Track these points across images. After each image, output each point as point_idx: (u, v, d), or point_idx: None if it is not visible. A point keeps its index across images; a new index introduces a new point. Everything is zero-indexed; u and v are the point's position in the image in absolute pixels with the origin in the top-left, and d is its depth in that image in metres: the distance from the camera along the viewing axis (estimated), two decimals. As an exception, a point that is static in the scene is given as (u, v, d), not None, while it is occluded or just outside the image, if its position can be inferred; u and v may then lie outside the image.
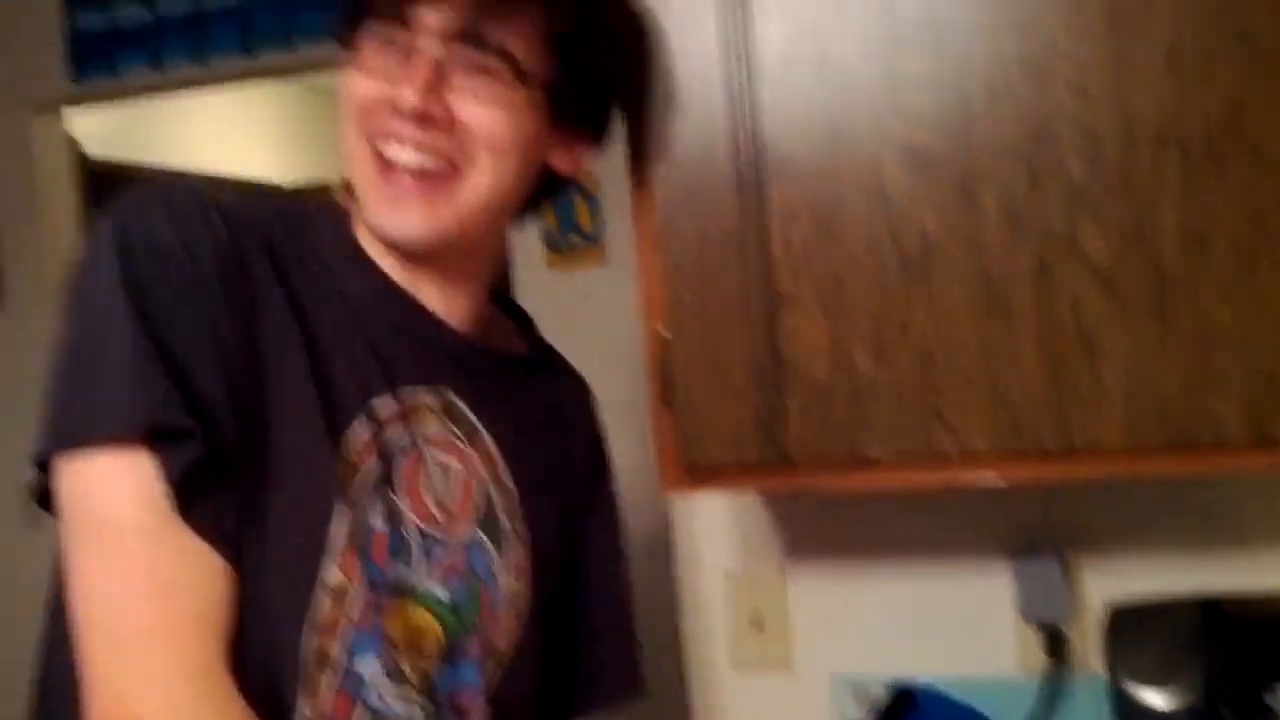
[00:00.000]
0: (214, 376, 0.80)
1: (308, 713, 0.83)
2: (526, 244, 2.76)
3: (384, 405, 0.89)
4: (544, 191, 0.98)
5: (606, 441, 1.12)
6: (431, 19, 0.86)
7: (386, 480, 0.88)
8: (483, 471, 0.95)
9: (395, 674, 0.87)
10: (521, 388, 1.03)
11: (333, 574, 0.84)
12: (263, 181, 4.59)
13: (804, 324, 1.01)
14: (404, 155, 0.86)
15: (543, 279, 2.78)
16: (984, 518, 1.34)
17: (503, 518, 0.96)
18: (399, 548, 0.88)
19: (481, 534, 0.94)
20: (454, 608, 0.91)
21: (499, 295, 1.08)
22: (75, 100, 3.06)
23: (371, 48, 0.88)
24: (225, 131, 4.38)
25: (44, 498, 0.81)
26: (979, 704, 1.33)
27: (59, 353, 0.82)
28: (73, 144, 3.23)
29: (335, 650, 0.85)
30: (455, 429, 0.94)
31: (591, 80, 0.93)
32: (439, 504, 0.91)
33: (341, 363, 0.88)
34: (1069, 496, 1.30)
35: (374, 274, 0.92)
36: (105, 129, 3.63)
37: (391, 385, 0.90)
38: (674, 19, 1.03)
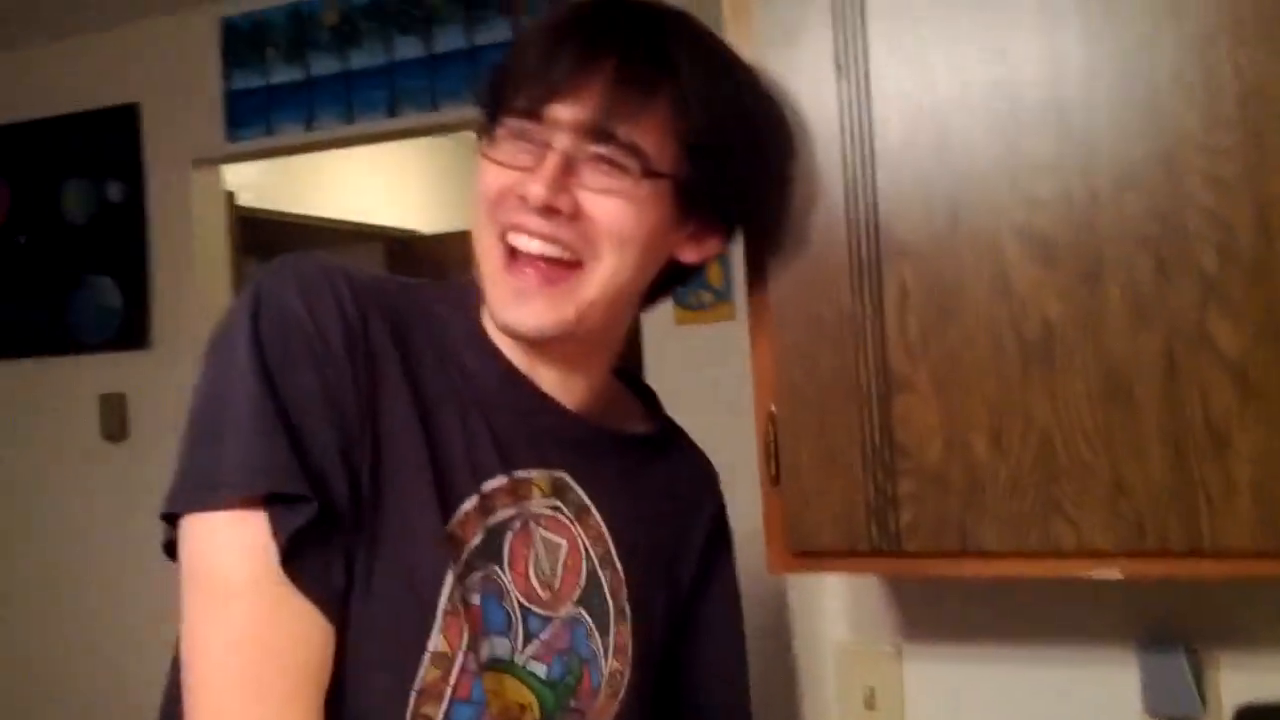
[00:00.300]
0: (331, 445, 0.84)
1: None
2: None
3: (496, 484, 0.91)
4: (672, 280, 1.00)
5: (728, 522, 1.12)
6: (563, 114, 0.88)
7: (494, 555, 0.90)
8: (591, 550, 0.96)
9: None
10: (641, 467, 1.04)
11: (438, 642, 0.86)
12: (408, 230, 4.74)
13: (918, 407, 1.00)
14: (530, 245, 0.89)
15: (672, 335, 2.79)
16: (1111, 606, 1.30)
17: (608, 597, 0.97)
18: (502, 622, 0.90)
19: (584, 612, 0.95)
20: (552, 684, 0.92)
21: (626, 373, 1.09)
22: (232, 158, 3.21)
23: (506, 140, 0.91)
24: (372, 182, 4.54)
25: (172, 548, 0.85)
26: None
27: (192, 411, 0.86)
28: (227, 195, 3.40)
29: (435, 716, 0.86)
30: (565, 508, 0.95)
31: (722, 177, 0.93)
32: (543, 581, 0.93)
33: (458, 443, 0.91)
34: (1202, 588, 1.25)
35: (495, 358, 0.95)
36: (257, 179, 3.80)
37: (506, 468, 0.92)
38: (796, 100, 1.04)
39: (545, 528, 0.94)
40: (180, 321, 3.16)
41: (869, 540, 1.01)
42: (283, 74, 3.08)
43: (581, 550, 0.96)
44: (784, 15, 1.04)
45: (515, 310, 0.90)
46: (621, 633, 0.97)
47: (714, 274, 2.80)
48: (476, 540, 0.90)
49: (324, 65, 3.04)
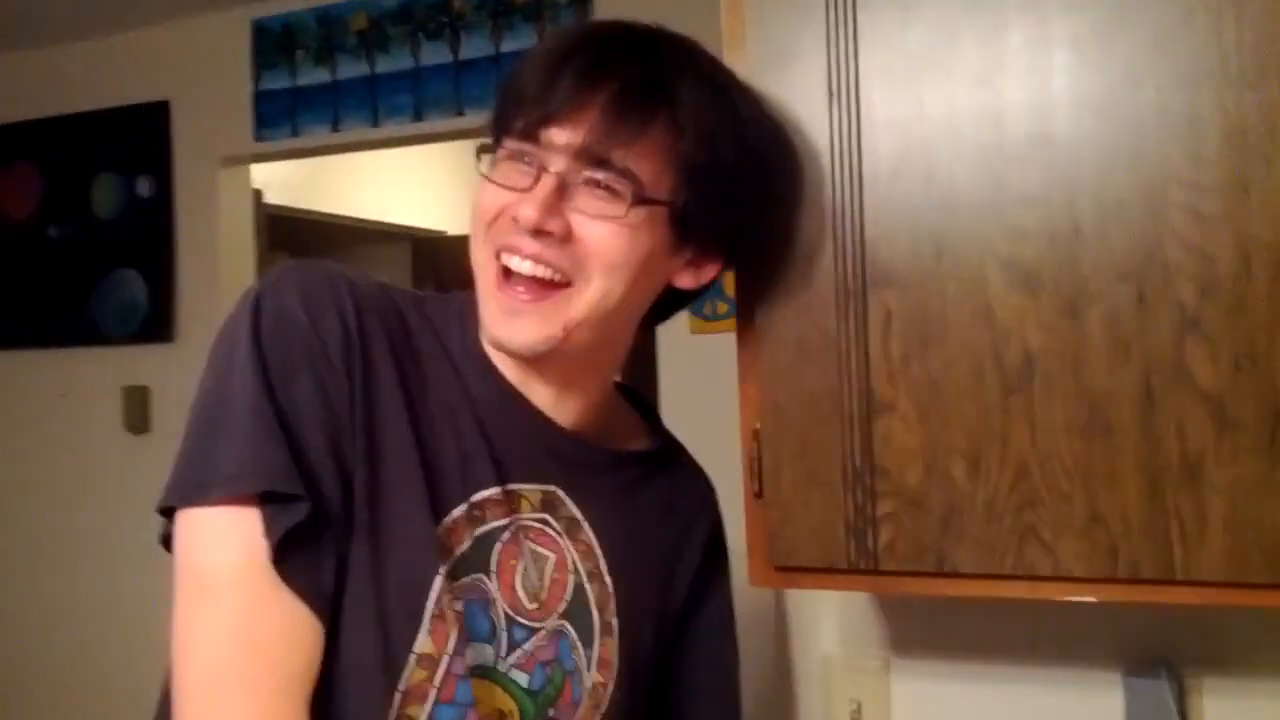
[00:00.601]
0: (325, 448, 0.86)
1: None
2: (671, 312, 2.80)
3: (488, 495, 0.94)
4: (673, 304, 1.02)
5: (724, 540, 1.13)
6: (559, 138, 0.90)
7: (481, 564, 0.92)
8: (579, 564, 0.98)
9: None
10: (638, 484, 1.06)
11: (423, 643, 0.88)
12: (436, 231, 4.78)
13: (899, 430, 1.02)
14: (521, 266, 0.91)
15: (687, 344, 2.81)
16: (1098, 630, 1.31)
17: (594, 611, 0.99)
18: (486, 629, 0.92)
19: (569, 625, 0.97)
20: (532, 694, 0.94)
21: (628, 390, 1.11)
22: (259, 157, 3.26)
23: (504, 161, 0.93)
24: (400, 182, 4.58)
25: (169, 542, 0.88)
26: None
27: (193, 408, 0.89)
28: (254, 193, 3.45)
29: (419, 717, 0.89)
30: (554, 522, 0.97)
31: (719, 206, 0.94)
32: (530, 593, 0.95)
33: (452, 452, 0.93)
34: (1188, 615, 1.26)
35: (490, 372, 0.97)
36: (286, 178, 3.85)
37: (500, 481, 0.94)
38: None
39: (534, 540, 0.96)
40: (204, 317, 3.21)
41: (847, 558, 1.03)
42: (311, 76, 3.13)
43: (569, 564, 0.98)
44: (778, 40, 1.06)
45: (505, 327, 0.92)
46: (607, 647, 0.99)
47: (730, 284, 2.82)
48: (465, 548, 0.92)
49: (351, 69, 3.09)
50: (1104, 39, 0.97)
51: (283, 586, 0.84)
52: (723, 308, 2.83)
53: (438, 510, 0.91)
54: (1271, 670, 1.24)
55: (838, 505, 1.03)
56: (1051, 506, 0.98)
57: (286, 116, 3.15)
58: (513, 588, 0.94)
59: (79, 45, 3.42)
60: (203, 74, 3.25)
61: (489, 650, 0.92)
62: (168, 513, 0.87)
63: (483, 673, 0.92)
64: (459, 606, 0.90)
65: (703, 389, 2.58)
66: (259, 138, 3.19)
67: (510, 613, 0.94)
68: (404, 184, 4.62)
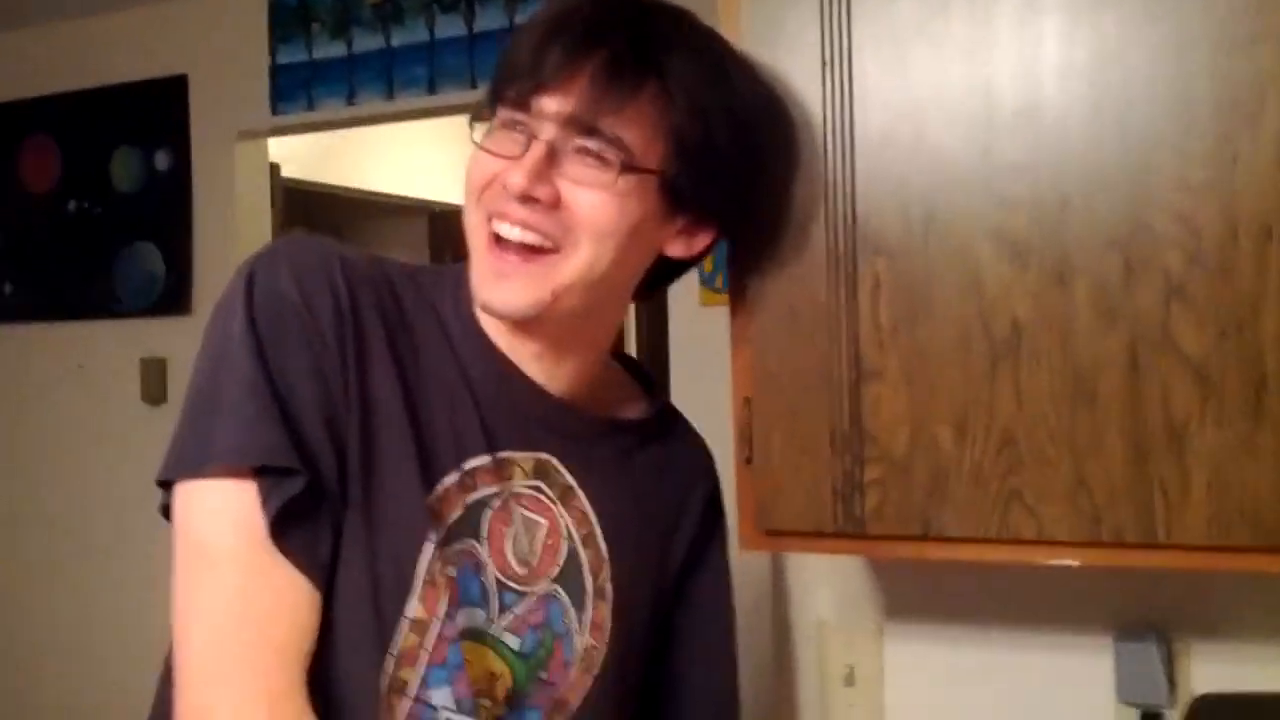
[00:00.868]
0: (318, 421, 0.88)
1: None
2: (681, 284, 2.82)
3: (479, 463, 0.96)
4: (667, 273, 1.03)
5: (722, 507, 1.14)
6: (550, 106, 0.91)
7: (472, 530, 0.94)
8: (573, 530, 1.00)
9: (466, 707, 0.93)
10: (635, 451, 1.07)
11: (415, 608, 0.91)
12: (452, 204, 4.79)
13: (887, 397, 1.03)
14: (510, 232, 0.92)
15: (698, 316, 2.82)
16: (1088, 595, 1.32)
17: (587, 576, 1.00)
18: (478, 594, 0.94)
19: (561, 590, 0.99)
20: (523, 656, 0.96)
21: (627, 359, 1.12)
22: (276, 131, 3.28)
23: (498, 130, 0.95)
24: (413, 156, 4.59)
25: (169, 513, 0.90)
26: (1071, 786, 1.31)
27: (191, 383, 0.91)
28: (271, 167, 3.47)
29: (412, 679, 0.91)
30: (547, 489, 0.99)
31: (710, 175, 0.95)
32: (521, 558, 0.97)
33: (442, 421, 0.95)
34: (1180, 580, 1.27)
35: (481, 341, 0.98)
36: (303, 151, 3.87)
37: (491, 448, 0.96)
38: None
39: (526, 507, 0.98)
40: (221, 290, 3.23)
41: (834, 522, 1.05)
42: (327, 50, 3.14)
43: (562, 530, 0.99)
44: (773, 10, 1.07)
45: (494, 289, 0.94)
46: (600, 611, 1.01)
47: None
48: (456, 515, 0.94)
49: (367, 42, 3.10)
50: (1094, 7, 0.98)
51: (280, 558, 0.86)
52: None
53: (429, 479, 0.93)
54: (1259, 634, 1.25)
55: (826, 470, 1.05)
56: (1036, 472, 1.00)
57: (303, 90, 3.17)
58: (503, 553, 0.96)
59: (98, 20, 3.44)
60: (220, 48, 3.28)
61: (480, 614, 0.95)
62: (167, 485, 0.90)
63: (475, 636, 0.94)
64: (451, 572, 0.92)
65: (713, 360, 2.57)
66: (276, 111, 3.21)
67: (501, 577, 0.96)
68: (420, 157, 4.64)
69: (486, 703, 0.94)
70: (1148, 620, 1.29)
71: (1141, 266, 0.97)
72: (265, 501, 0.85)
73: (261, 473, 0.86)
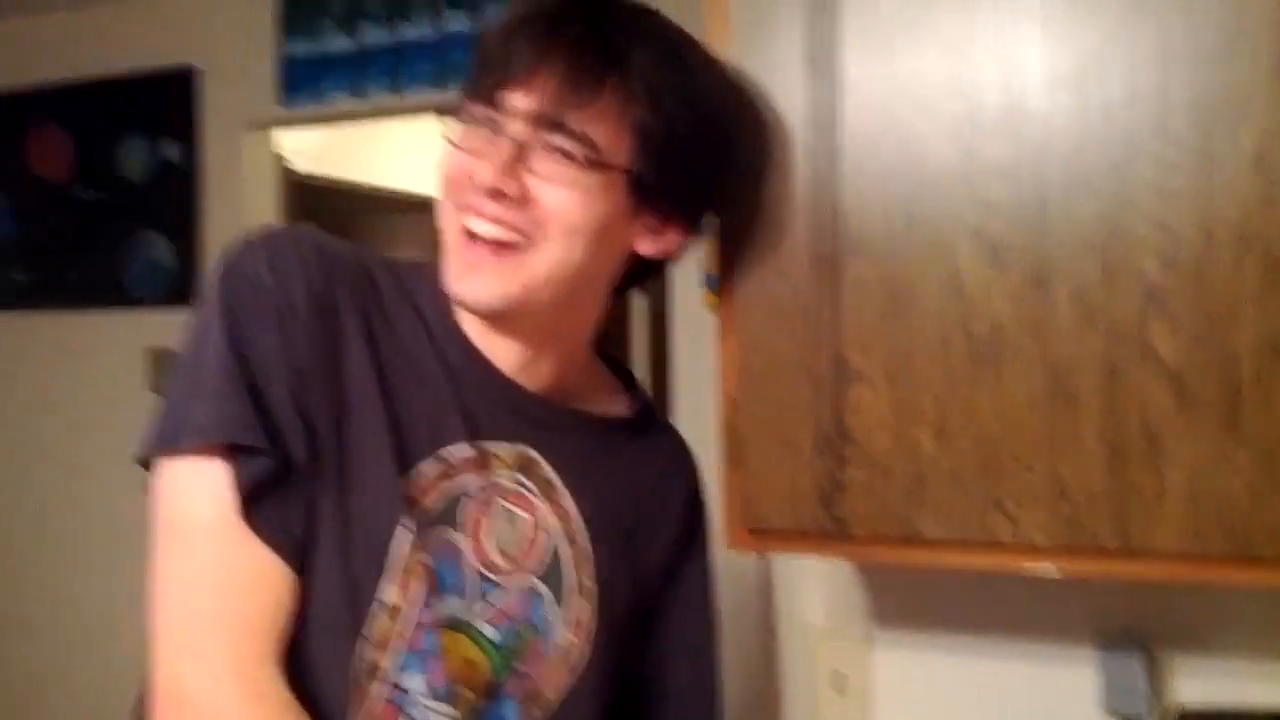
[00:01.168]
0: (289, 402, 0.90)
1: (357, 718, 0.91)
2: (685, 286, 2.82)
3: (458, 451, 0.96)
4: (642, 271, 1.03)
5: (703, 505, 1.15)
6: (518, 103, 0.92)
7: (450, 520, 0.95)
8: (556, 526, 1.01)
9: (441, 694, 0.93)
10: (616, 449, 1.07)
11: (390, 593, 0.92)
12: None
13: (869, 398, 1.04)
14: (481, 227, 0.93)
15: (701, 318, 2.82)
16: (1073, 606, 1.32)
17: (568, 572, 1.01)
18: (454, 583, 0.95)
19: (541, 584, 0.99)
20: (499, 647, 0.97)
21: (609, 356, 1.13)
22: (284, 123, 3.29)
23: (468, 126, 0.96)
24: (420, 152, 4.60)
25: None
26: (1052, 792, 1.31)
27: (174, 369, 0.94)
28: (280, 160, 3.48)
29: (386, 664, 0.92)
30: (530, 483, 1.00)
31: (675, 172, 0.96)
32: (502, 551, 0.97)
33: (419, 406, 0.95)
34: (1165, 593, 1.27)
35: (456, 333, 0.99)
36: (314, 145, 3.88)
37: (471, 436, 0.97)
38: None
39: (509, 501, 0.99)
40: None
41: (816, 523, 1.05)
42: (336, 43, 3.15)
43: (545, 525, 1.00)
44: (759, 9, 1.07)
45: (465, 282, 0.94)
46: (580, 608, 1.01)
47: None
48: (434, 502, 0.95)
49: (375, 36, 3.11)
50: (1076, 13, 0.98)
51: (252, 535, 0.88)
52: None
53: (404, 462, 0.93)
54: (1241, 649, 1.25)
55: (808, 471, 1.05)
56: (1015, 476, 1.00)
57: (312, 83, 3.18)
58: (482, 544, 0.97)
59: (108, 9, 3.46)
60: (230, 40, 3.29)
61: (458, 603, 0.95)
62: (148, 465, 0.92)
63: (453, 624, 0.95)
64: (428, 560, 0.93)
65: (716, 362, 2.59)
66: (284, 104, 3.22)
67: (480, 568, 0.96)
68: (427, 153, 4.64)
69: (466, 692, 0.95)
70: (1132, 633, 1.29)
71: (1120, 271, 0.97)
72: (236, 478, 0.87)
73: (233, 450, 0.87)
